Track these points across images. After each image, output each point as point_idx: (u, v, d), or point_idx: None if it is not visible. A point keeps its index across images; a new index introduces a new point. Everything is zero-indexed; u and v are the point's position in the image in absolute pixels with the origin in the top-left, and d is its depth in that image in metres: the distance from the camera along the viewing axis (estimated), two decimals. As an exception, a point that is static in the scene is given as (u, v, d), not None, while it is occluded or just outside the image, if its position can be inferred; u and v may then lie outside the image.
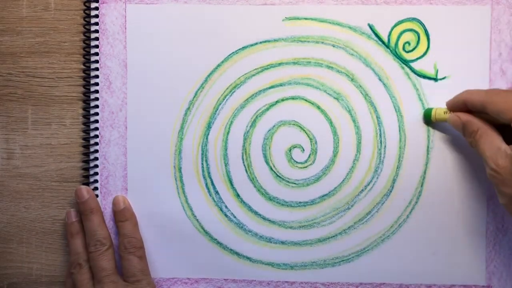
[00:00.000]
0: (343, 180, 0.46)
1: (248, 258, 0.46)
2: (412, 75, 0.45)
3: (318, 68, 0.45)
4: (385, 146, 0.45)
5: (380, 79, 0.45)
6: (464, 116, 0.41)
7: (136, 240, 0.45)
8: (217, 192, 0.46)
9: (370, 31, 0.45)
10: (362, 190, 0.46)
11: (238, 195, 0.46)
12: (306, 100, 0.46)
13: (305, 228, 0.46)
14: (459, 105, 0.42)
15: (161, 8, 0.46)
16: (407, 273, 0.45)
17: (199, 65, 0.46)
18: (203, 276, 0.46)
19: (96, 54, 0.46)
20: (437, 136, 0.45)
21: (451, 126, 0.42)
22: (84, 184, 0.46)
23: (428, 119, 0.45)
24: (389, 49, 0.45)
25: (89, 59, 0.46)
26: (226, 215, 0.46)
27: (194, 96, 0.46)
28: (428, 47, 0.45)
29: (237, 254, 0.46)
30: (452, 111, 0.43)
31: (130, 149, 0.46)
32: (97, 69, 0.46)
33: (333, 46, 0.45)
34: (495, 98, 0.39)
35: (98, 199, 0.46)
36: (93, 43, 0.46)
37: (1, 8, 0.46)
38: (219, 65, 0.46)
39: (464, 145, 0.45)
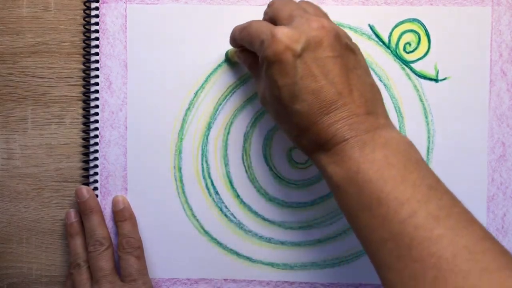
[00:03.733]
0: (343, 181, 0.46)
1: (248, 258, 0.46)
2: (412, 76, 0.45)
3: (319, 68, 0.45)
4: (385, 147, 0.45)
5: (380, 80, 0.45)
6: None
7: (135, 240, 0.45)
8: (217, 193, 0.46)
9: (370, 32, 0.45)
10: (362, 190, 0.45)
11: (238, 196, 0.46)
12: (306, 101, 0.45)
13: (305, 229, 0.46)
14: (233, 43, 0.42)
15: (162, 8, 0.46)
16: (407, 274, 0.45)
17: (199, 65, 0.46)
18: (203, 276, 0.46)
19: (96, 54, 0.46)
20: (437, 137, 0.45)
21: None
22: (84, 184, 0.46)
23: (227, 60, 0.45)
24: (390, 49, 0.45)
25: (89, 59, 0.46)
26: (226, 216, 0.46)
27: (194, 96, 0.46)
28: (429, 48, 0.45)
29: (237, 254, 0.46)
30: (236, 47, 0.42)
31: (130, 149, 0.46)
32: (97, 69, 0.46)
33: (334, 46, 0.45)
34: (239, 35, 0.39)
35: (98, 199, 0.46)
36: (93, 43, 0.46)
37: (1, 8, 0.46)
38: (219, 65, 0.46)
39: (464, 145, 0.45)
